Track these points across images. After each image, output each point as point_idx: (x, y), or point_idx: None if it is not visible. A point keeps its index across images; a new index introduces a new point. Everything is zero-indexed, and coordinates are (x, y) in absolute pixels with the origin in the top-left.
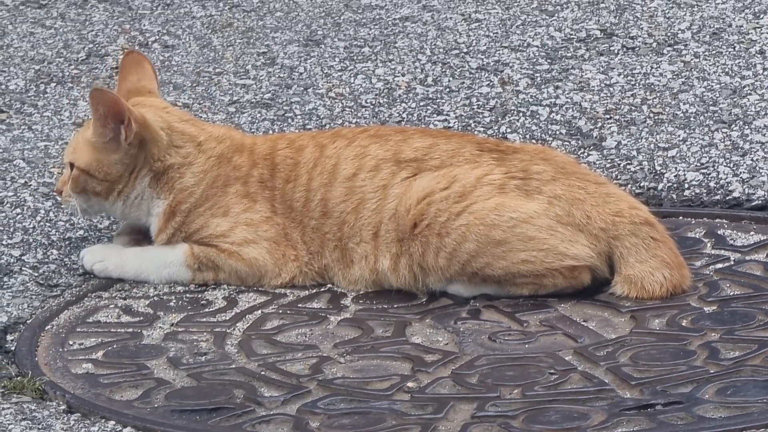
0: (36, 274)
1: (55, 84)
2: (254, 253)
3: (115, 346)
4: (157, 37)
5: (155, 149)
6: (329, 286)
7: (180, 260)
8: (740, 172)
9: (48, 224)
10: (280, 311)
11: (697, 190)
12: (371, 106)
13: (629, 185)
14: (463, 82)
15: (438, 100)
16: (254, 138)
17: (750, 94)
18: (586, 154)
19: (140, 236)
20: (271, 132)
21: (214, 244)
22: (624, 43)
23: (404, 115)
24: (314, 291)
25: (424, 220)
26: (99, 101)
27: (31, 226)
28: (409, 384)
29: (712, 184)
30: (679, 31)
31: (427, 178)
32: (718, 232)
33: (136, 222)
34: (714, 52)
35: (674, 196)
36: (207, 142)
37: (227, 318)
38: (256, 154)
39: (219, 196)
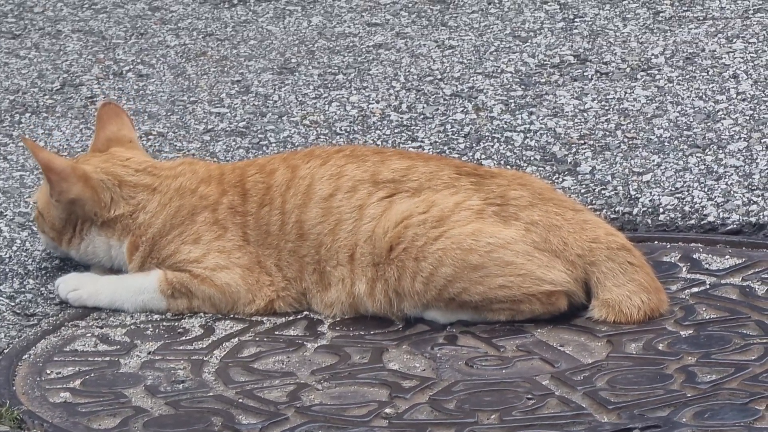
0: (12, 304)
1: (29, 114)
2: (227, 279)
3: (92, 375)
4: (132, 66)
5: (93, 207)
6: (306, 313)
7: (153, 286)
8: (715, 196)
9: (24, 254)
10: (257, 339)
11: (672, 215)
12: (346, 134)
13: (604, 210)
14: (438, 109)
15: (413, 127)
16: (221, 167)
17: (724, 118)
18: (560, 179)
19: None
20: (245, 158)
21: (188, 269)
22: (598, 68)
23: (379, 142)
24: (291, 318)
25: (400, 243)
26: (33, 154)
27: (7, 255)
28: (387, 410)
29: (687, 208)
30: (653, 56)
31: (407, 202)
32: (694, 257)
33: (104, 265)
34: (687, 76)
35: (649, 220)
36: (162, 184)
37: (204, 346)
38: (225, 183)
39: (187, 224)
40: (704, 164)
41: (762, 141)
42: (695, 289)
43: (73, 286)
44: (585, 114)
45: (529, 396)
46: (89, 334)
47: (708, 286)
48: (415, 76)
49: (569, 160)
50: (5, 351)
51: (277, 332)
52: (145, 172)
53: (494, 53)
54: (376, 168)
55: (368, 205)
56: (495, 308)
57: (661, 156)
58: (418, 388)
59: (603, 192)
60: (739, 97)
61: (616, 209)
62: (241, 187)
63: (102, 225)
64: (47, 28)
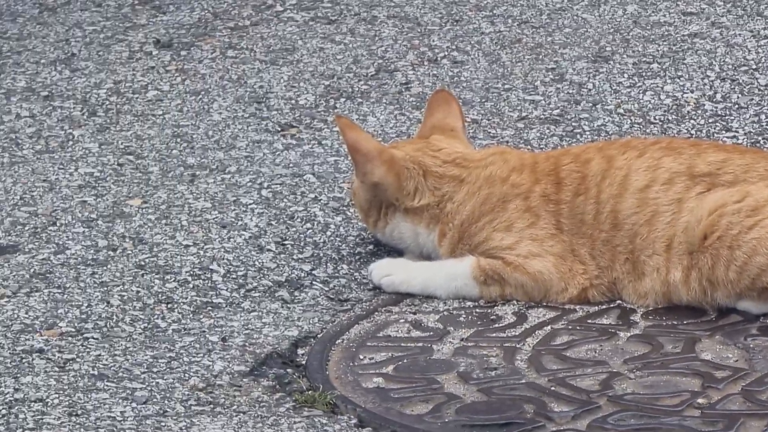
0: (326, 289)
1: (344, 99)
2: (539, 267)
3: (405, 361)
4: (447, 53)
5: (395, 193)
6: (618, 302)
7: (466, 273)
8: None
9: (338, 239)
10: (570, 327)
11: None
12: (660, 123)
13: None
14: (752, 99)
15: (727, 117)
16: (534, 155)
17: None
18: None
19: None
20: (559, 146)
21: (501, 256)
22: None
23: (693, 132)
24: (603, 307)
25: (715, 232)
26: (342, 133)
27: (322, 240)
28: (700, 400)
29: None
30: None
31: (721, 192)
32: None
33: (412, 251)
34: None
35: None
36: (471, 175)
37: (517, 333)
38: (539, 171)
39: (498, 211)
40: None
41: None
42: None
43: (387, 271)
44: None
45: None
46: (402, 320)
47: None
48: (730, 66)
49: None
50: (319, 335)
51: (589, 321)
52: (453, 163)
53: None
54: (692, 160)
55: (686, 200)
56: None
57: None
58: (731, 379)
59: None
60: None
61: None
62: (555, 175)
63: (406, 211)
64: (363, 14)
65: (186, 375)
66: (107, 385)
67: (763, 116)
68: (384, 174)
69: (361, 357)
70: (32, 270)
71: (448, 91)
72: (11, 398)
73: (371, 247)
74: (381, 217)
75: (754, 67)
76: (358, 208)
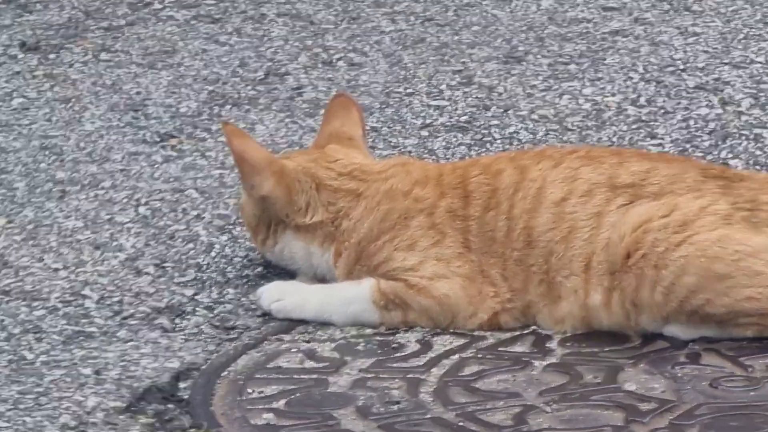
0: (211, 316)
1: (230, 106)
2: (445, 289)
3: (298, 395)
4: (343, 54)
5: (285, 208)
6: (533, 327)
7: (365, 296)
8: None
9: (224, 261)
10: (480, 355)
11: None
12: (578, 129)
13: None
14: (680, 103)
15: (652, 123)
16: (440, 167)
17: None
18: None
19: None
20: (468, 158)
21: (403, 278)
22: None
23: (615, 139)
24: (517, 333)
25: (639, 249)
26: (228, 141)
27: (205, 262)
28: None
29: None
30: None
31: (646, 205)
32: None
33: (305, 272)
34: None
35: None
36: (370, 189)
37: (421, 363)
38: (444, 184)
39: (399, 229)
40: None
41: None
42: None
43: (277, 296)
44: None
45: None
46: (295, 350)
47: None
48: (655, 67)
49: None
50: (203, 367)
51: (501, 348)
52: (349, 176)
53: (743, 41)
54: (614, 170)
55: (607, 213)
56: (742, 323)
57: None
58: (657, 412)
59: None
60: None
61: None
62: (462, 189)
63: (298, 229)
64: (250, 12)
65: (56, 412)
66: None
67: (691, 122)
68: (273, 187)
69: (250, 391)
70: None
71: (348, 96)
72: None
73: (260, 269)
74: (270, 235)
75: (681, 67)
76: (246, 224)
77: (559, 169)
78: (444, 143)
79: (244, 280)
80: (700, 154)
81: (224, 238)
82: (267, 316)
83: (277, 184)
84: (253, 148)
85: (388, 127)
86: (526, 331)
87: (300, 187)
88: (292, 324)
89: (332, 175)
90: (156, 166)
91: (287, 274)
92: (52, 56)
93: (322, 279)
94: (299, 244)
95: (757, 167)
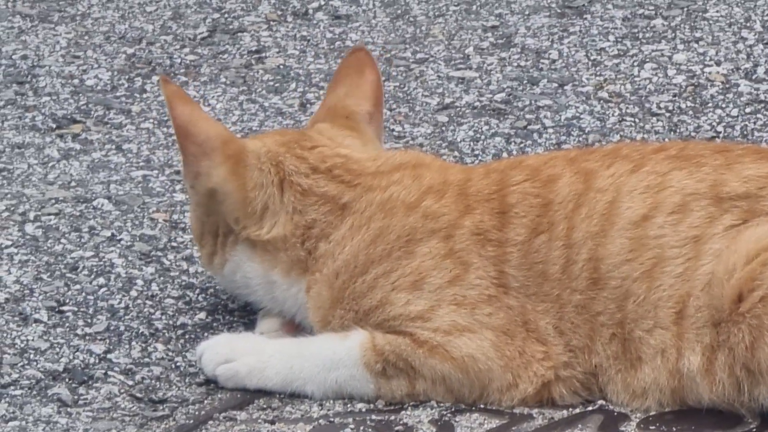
0: (130, 383)
1: (157, 77)
2: (470, 348)
3: None
4: (323, 2)
5: (235, 209)
6: (600, 402)
7: (354, 357)
8: None
9: (149, 303)
10: None
11: None
12: (667, 114)
13: None
14: None
15: None
16: (466, 170)
17: None
18: None
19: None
20: (504, 154)
21: (408, 330)
22: None
23: (720, 128)
24: (577, 411)
25: (756, 289)
26: (168, 106)
27: (122, 305)
28: None
29: None
30: None
31: (765, 226)
32: None
33: (269, 309)
34: None
35: None
36: (361, 199)
37: None
38: (471, 194)
39: (398, 257)
40: None
41: None
42: None
43: (226, 355)
44: None
45: None
46: None
47: None
48: None
49: None
50: None
51: None
52: (328, 174)
53: None
54: (719, 176)
55: (709, 238)
56: None
57: None
58: None
59: None
60: None
61: None
62: (498, 201)
63: (253, 245)
64: None
65: None
66: None
67: None
68: (226, 176)
69: None
70: None
71: (367, 53)
72: None
73: (202, 314)
74: (218, 247)
75: None
76: (192, 231)
77: (640, 175)
78: (471, 133)
79: (179, 332)
80: None
81: (150, 269)
82: (212, 384)
83: (231, 173)
84: (202, 119)
85: (389, 109)
86: (590, 408)
87: (259, 179)
88: (248, 396)
89: (303, 168)
90: (50, 164)
91: (246, 322)
92: None
93: (293, 321)
94: (255, 267)
95: None
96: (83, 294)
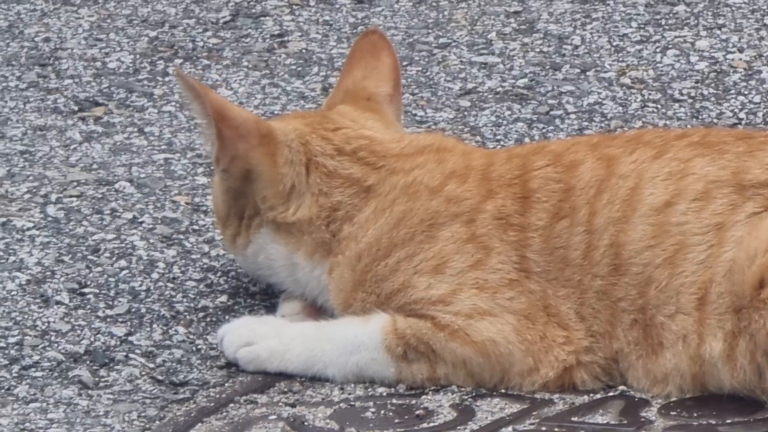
0: (151, 366)
1: (181, 60)
2: (491, 332)
3: None
4: None
5: (265, 188)
6: (621, 388)
7: (375, 341)
8: None
9: (170, 285)
10: (544, 428)
11: None
12: (689, 100)
13: None
14: None
15: None
16: (489, 154)
17: None
18: None
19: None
20: (527, 139)
21: (429, 314)
22: None
23: (742, 115)
24: (598, 396)
25: None
26: (197, 97)
27: (144, 287)
28: None
29: None
30: None
31: None
32: None
33: (291, 292)
34: None
35: None
36: (383, 179)
37: None
38: (494, 178)
39: (421, 241)
40: None
41: None
42: None
43: (247, 338)
44: None
45: None
46: (273, 416)
47: None
48: None
49: None
50: None
51: (575, 418)
52: (353, 156)
53: None
54: (741, 163)
55: (731, 225)
56: None
57: None
58: None
59: None
60: None
61: None
62: (520, 186)
63: (278, 227)
64: None
65: None
66: None
67: None
68: (261, 157)
69: None
70: None
71: (381, 35)
72: None
73: (224, 297)
74: (242, 230)
75: None
76: (215, 213)
77: (662, 161)
78: (493, 118)
79: (201, 314)
80: None
81: (172, 252)
82: (233, 367)
83: (266, 153)
84: (232, 106)
85: (412, 94)
86: (611, 394)
87: (288, 157)
88: (269, 379)
89: (329, 150)
90: (72, 146)
91: (267, 306)
92: None
93: (314, 303)
94: (279, 249)
95: None
96: (105, 276)
